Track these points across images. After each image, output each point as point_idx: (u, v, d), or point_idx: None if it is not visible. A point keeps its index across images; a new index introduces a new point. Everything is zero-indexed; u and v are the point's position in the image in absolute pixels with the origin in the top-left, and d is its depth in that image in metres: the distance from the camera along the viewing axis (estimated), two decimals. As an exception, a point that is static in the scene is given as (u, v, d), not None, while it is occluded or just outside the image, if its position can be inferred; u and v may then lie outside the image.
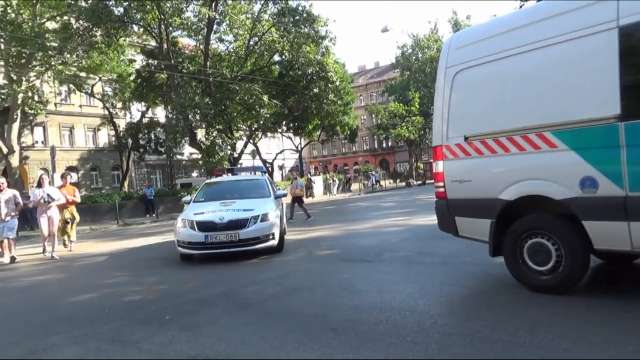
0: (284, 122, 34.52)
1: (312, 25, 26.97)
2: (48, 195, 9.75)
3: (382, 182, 45.83)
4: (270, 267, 7.25)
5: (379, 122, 50.70)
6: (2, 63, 26.28)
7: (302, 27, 26.74)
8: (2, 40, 23.26)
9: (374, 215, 15.06)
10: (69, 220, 10.98)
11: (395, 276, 5.95)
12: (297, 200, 16.01)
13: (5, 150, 23.99)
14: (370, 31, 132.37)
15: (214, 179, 10.69)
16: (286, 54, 28.71)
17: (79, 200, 11.44)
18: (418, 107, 45.64)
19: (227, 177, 10.94)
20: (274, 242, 8.06)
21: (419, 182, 43.66)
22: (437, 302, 4.61)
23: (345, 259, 7.10)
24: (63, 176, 11.37)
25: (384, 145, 67.39)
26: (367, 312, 4.40)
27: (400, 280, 5.67)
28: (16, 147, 24.62)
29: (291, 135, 41.78)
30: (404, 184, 44.21)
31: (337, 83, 30.60)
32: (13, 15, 23.11)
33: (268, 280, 6.01)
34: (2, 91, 26.88)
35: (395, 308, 4.46)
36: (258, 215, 7.93)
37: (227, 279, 6.37)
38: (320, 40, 28.25)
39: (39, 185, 10.02)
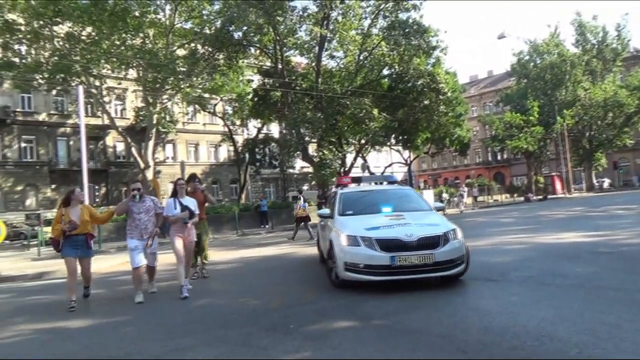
0: (393, 135, 34.28)
1: (423, 37, 26.57)
2: (185, 208, 7.16)
3: (498, 197, 43.26)
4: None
5: (494, 133, 48.18)
6: (141, 88, 29.63)
7: (413, 39, 26.44)
8: (140, 68, 26.16)
9: (492, 231, 14.22)
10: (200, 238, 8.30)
11: (525, 298, 5.50)
12: (302, 220, 16.86)
13: (142, 164, 26.78)
14: (482, 40, 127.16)
15: (349, 189, 8.86)
16: (396, 67, 28.60)
17: (215, 202, 9.80)
18: (537, 116, 42.61)
19: (366, 187, 9.30)
20: (463, 267, 6.40)
21: (540, 197, 40.47)
22: (579, 330, 4.14)
23: (467, 276, 6.74)
24: (190, 179, 8.43)
25: (499, 157, 63.83)
26: (499, 335, 4.09)
27: (532, 303, 5.22)
28: (151, 162, 27.37)
29: (400, 148, 41.33)
30: (522, 198, 41.31)
31: (449, 94, 29.73)
32: (150, 45, 25.94)
33: (388, 295, 5.90)
34: (141, 113, 30.31)
35: (531, 333, 4.09)
36: (449, 232, 6.34)
37: (347, 292, 6.37)
38: (431, 51, 27.75)
39: (174, 194, 7.38)
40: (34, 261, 15.15)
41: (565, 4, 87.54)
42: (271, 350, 4.15)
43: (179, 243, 7.08)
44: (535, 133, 42.11)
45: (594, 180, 50.34)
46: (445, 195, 32.30)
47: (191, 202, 7.29)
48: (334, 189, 9.98)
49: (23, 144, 36.42)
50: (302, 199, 17.63)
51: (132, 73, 28.36)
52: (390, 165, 43.98)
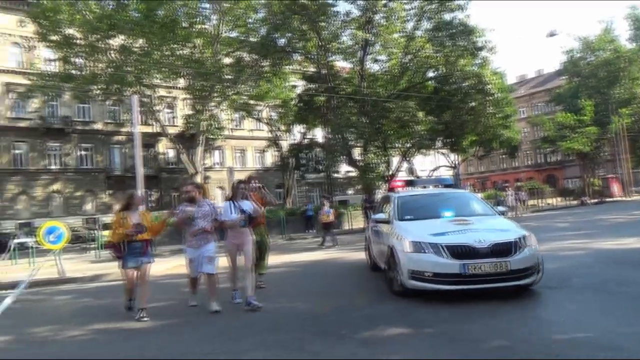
0: (439, 138, 33.68)
1: (469, 37, 26.01)
2: (243, 212, 6.55)
3: (550, 200, 41.59)
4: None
5: (545, 134, 46.40)
6: (190, 96, 30.56)
7: (458, 39, 25.94)
8: (189, 76, 26.98)
9: (547, 236, 13.65)
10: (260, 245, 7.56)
11: (588, 306, 5.25)
12: (327, 226, 16.91)
13: (192, 170, 27.56)
14: (530, 38, 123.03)
15: (405, 193, 8.49)
16: (441, 69, 28.13)
17: (274, 202, 8.90)
18: (591, 116, 40.72)
19: (422, 191, 9.00)
20: (538, 276, 5.96)
21: (596, 200, 38.58)
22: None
23: (522, 283, 6.48)
24: (249, 181, 7.40)
25: (551, 159, 61.42)
26: (568, 347, 3.90)
27: (596, 312, 4.98)
28: (200, 168, 28.13)
29: (446, 151, 40.55)
30: (576, 202, 39.52)
31: (496, 95, 28.91)
32: (198, 55, 26.73)
33: (440, 303, 5.74)
34: (190, 120, 31.23)
35: (605, 346, 3.86)
36: (522, 238, 5.93)
37: (397, 298, 6.28)
38: (477, 52, 27.10)
39: (233, 196, 6.77)
40: (92, 263, 15.85)
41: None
42: (324, 355, 4.15)
43: (235, 249, 6.64)
44: (589, 133, 40.26)
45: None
46: (510, 199, 28.81)
47: (249, 206, 6.60)
48: (387, 193, 9.39)
49: (81, 152, 38.34)
50: (326, 204, 17.58)
51: (182, 82, 29.29)
52: (436, 168, 43.25)
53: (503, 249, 5.71)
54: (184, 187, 6.96)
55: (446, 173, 47.82)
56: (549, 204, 40.03)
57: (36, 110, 35.98)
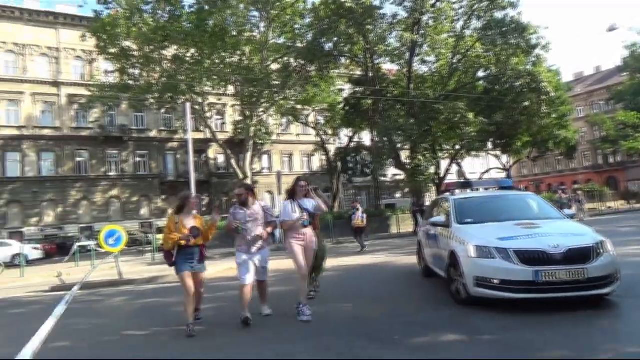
0: (490, 140, 32.71)
1: (522, 35, 25.14)
2: (305, 210, 6.09)
3: (612, 204, 39.40)
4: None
5: (604, 134, 44.12)
6: (239, 103, 31.25)
7: (510, 38, 25.12)
8: (238, 83, 27.60)
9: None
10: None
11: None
12: (358, 230, 16.95)
13: (241, 175, 28.13)
14: (586, 34, 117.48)
15: (463, 195, 7.94)
16: (492, 68, 27.34)
17: (329, 205, 7.98)
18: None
19: (481, 193, 8.55)
20: (616, 285, 5.52)
21: (663, 203, 36.21)
22: None
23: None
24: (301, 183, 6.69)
25: (611, 160, 58.28)
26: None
27: (669, 323, 4.64)
28: (249, 173, 28.65)
29: (498, 153, 39.33)
30: (639, 205, 37.23)
31: (551, 94, 27.74)
32: (246, 62, 27.31)
33: (496, 309, 5.48)
34: (239, 126, 31.93)
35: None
36: (599, 243, 5.51)
37: (450, 304, 6.11)
38: (530, 50, 26.16)
39: (292, 195, 6.29)
40: (149, 266, 16.49)
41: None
42: (377, 362, 4.09)
43: (300, 250, 5.97)
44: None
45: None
46: (581, 202, 26.04)
47: (310, 204, 6.11)
48: (442, 195, 8.53)
49: (137, 159, 40.06)
50: (360, 209, 17.38)
51: (231, 89, 30.00)
52: (487, 171, 42.06)
53: (580, 255, 5.28)
54: (236, 189, 6.42)
55: (497, 175, 46.40)
56: (609, 207, 37.91)
57: (96, 119, 37.99)
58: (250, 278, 5.90)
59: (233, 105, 39.29)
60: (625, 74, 48.19)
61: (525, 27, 24.87)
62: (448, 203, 7.42)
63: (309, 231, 6.10)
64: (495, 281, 5.40)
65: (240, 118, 31.40)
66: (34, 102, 36.69)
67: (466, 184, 9.09)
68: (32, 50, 36.83)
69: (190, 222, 5.93)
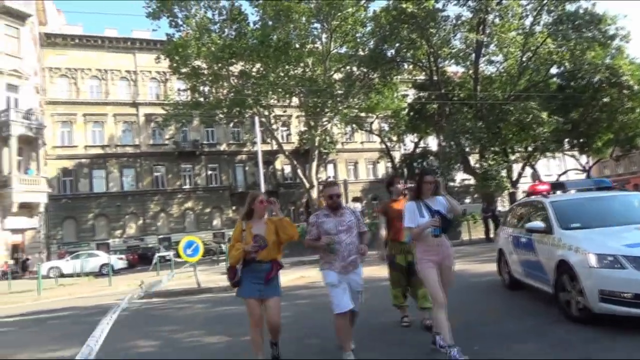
0: (566, 140, 30.97)
1: (597, 27, 23.72)
2: (437, 213, 4.53)
3: None
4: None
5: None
6: (303, 113, 31.82)
7: (585, 30, 23.78)
8: (302, 95, 28.13)
9: None
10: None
11: None
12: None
13: (307, 185, 28.55)
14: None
15: (560, 197, 7.19)
16: (566, 64, 25.94)
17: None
18: None
19: (580, 194, 7.42)
20: None
21: None
22: None
23: None
24: (393, 182, 6.17)
25: None
26: None
27: None
28: (315, 182, 29.01)
29: (575, 153, 37.08)
30: None
31: (635, 87, 25.84)
32: (309, 73, 27.79)
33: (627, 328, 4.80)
34: (304, 136, 32.49)
35: None
36: None
37: (532, 310, 5.83)
38: (608, 42, 24.63)
39: (417, 195, 4.75)
40: (223, 275, 17.06)
41: None
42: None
43: (432, 273, 4.40)
44: None
45: None
46: None
47: (441, 205, 4.57)
48: (532, 198, 7.52)
49: (209, 172, 41.86)
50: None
51: (295, 100, 30.64)
52: (564, 172, 39.75)
53: None
54: (326, 188, 4.81)
55: (576, 177, 43.70)
56: None
57: (171, 136, 40.20)
58: (348, 303, 4.39)
59: (298, 116, 40.03)
60: None
61: (600, 18, 23.51)
62: (543, 206, 6.64)
63: (443, 242, 4.54)
64: (628, 295, 4.62)
65: (305, 128, 31.97)
66: (116, 122, 39.47)
67: (558, 185, 8.00)
68: (113, 75, 39.71)
69: (260, 229, 4.55)
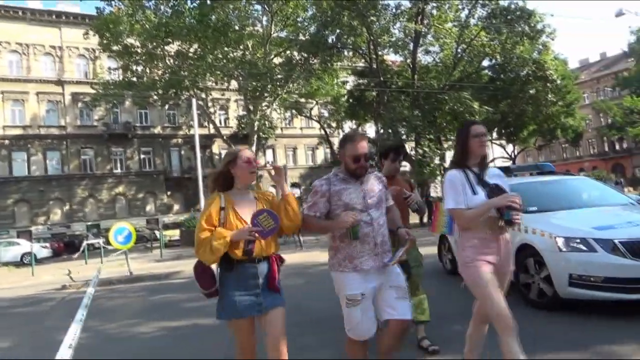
0: (495, 129, 32.57)
1: (527, 22, 24.95)
2: (495, 188, 2.94)
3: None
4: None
5: (611, 121, 43.76)
6: (242, 97, 31.18)
7: (516, 25, 24.95)
8: (241, 78, 27.51)
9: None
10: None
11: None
12: None
13: (246, 170, 28.08)
14: (591, 20, 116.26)
15: (515, 180, 6.67)
16: (497, 57, 27.15)
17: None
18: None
19: (533, 178, 7.14)
20: None
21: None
22: None
23: None
24: (399, 152, 4.52)
25: (618, 147, 57.87)
26: None
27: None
28: (254, 168, 28.59)
29: (503, 142, 39.14)
30: (648, 191, 36.98)
31: (558, 82, 27.56)
32: (249, 56, 27.20)
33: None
34: (243, 121, 31.89)
35: None
36: None
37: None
38: (536, 37, 25.95)
39: (462, 156, 3.07)
40: (157, 262, 16.53)
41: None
42: None
43: (492, 282, 2.88)
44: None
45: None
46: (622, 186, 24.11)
47: (499, 177, 3.11)
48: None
49: (142, 156, 40.12)
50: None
51: (234, 84, 29.94)
52: (492, 160, 41.86)
53: None
54: (350, 142, 3.02)
55: (503, 164, 46.15)
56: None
57: (100, 117, 38.04)
58: (371, 326, 2.92)
59: (236, 100, 39.22)
60: (631, 59, 47.69)
61: (530, 13, 24.69)
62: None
63: (505, 235, 3.02)
64: (598, 279, 4.44)
65: (244, 113, 31.40)
66: (39, 101, 36.74)
67: (505, 169, 7.34)
68: (35, 50, 36.82)
69: (251, 205, 2.92)
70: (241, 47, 26.77)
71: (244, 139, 32.19)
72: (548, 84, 26.38)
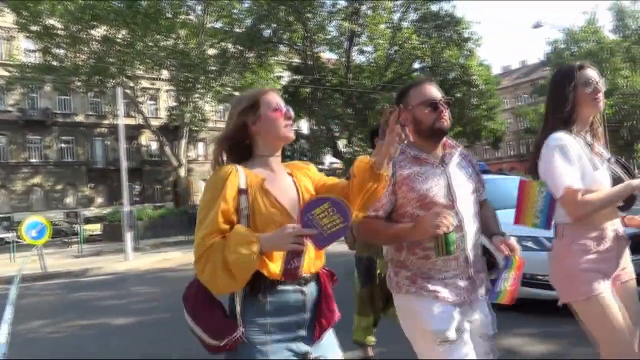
0: (424, 130, 33.92)
1: (455, 28, 26.15)
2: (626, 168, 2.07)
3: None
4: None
5: (528, 125, 46.93)
6: (173, 88, 30.22)
7: (444, 31, 26.08)
8: (173, 68, 26.63)
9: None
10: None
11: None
12: None
13: (176, 163, 27.30)
14: (514, 29, 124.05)
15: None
16: (427, 60, 28.23)
17: None
18: (574, 107, 41.32)
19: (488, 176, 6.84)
20: None
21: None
22: None
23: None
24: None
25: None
26: None
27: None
28: (184, 161, 27.88)
29: (431, 142, 40.85)
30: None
31: (481, 87, 29.13)
32: (182, 46, 26.37)
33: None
34: (173, 112, 30.92)
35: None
36: None
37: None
38: (463, 43, 27.25)
39: (568, 117, 1.99)
40: (75, 258, 15.65)
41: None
42: None
43: (612, 302, 1.88)
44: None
45: (636, 172, 48.39)
46: None
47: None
48: None
49: (62, 145, 37.67)
50: None
51: (165, 73, 28.94)
52: (421, 160, 43.58)
53: None
54: (416, 88, 1.95)
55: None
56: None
57: (15, 102, 35.24)
58: None
59: (167, 91, 37.86)
60: (547, 68, 51.38)
61: (458, 20, 25.87)
62: None
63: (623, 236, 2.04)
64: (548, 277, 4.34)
65: (175, 104, 30.45)
66: (-57, 81, 33.43)
67: None
68: (-61, 24, 33.43)
69: (288, 186, 1.71)
70: (173, 35, 25.86)
71: (174, 131, 31.23)
72: (472, 89, 27.82)
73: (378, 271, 3.46)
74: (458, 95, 27.84)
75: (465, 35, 26.62)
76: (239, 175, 1.56)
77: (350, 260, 3.76)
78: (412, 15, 27.52)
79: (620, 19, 46.47)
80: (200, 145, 42.97)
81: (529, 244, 4.73)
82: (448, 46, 26.46)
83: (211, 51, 27.92)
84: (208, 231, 1.47)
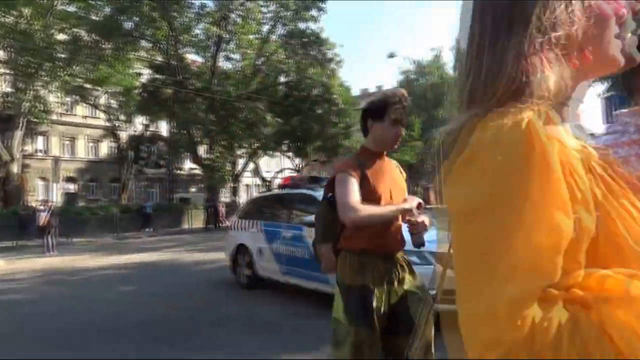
0: (285, 142, 34.72)
1: (320, 48, 27.42)
2: None
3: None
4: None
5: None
6: (10, 72, 26.54)
7: (310, 49, 27.17)
8: (11, 49, 23.45)
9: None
10: None
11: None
12: (43, 229, 15.15)
13: (6, 157, 23.96)
14: (373, 55, 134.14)
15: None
16: (292, 75, 29.09)
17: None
18: (419, 132, 46.00)
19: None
20: None
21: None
22: None
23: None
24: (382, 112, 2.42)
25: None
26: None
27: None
28: (17, 155, 24.60)
29: (291, 154, 41.93)
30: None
31: (341, 105, 30.90)
32: (24, 25, 23.37)
33: (283, 299, 5.94)
34: (8, 99, 27.12)
35: None
36: None
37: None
38: (326, 63, 28.68)
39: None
40: None
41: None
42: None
43: None
44: (416, 148, 45.37)
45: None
46: None
47: None
48: (295, 191, 6.88)
49: None
50: (50, 208, 15.18)
51: (1, 54, 25.32)
52: (281, 171, 44.47)
53: None
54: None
55: (291, 175, 49.26)
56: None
57: None
58: None
59: (2, 74, 33.13)
60: (398, 95, 56.58)
61: (323, 41, 27.20)
62: (315, 199, 5.86)
63: None
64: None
65: (11, 90, 26.74)
66: None
67: (315, 179, 7.27)
68: None
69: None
70: (14, 12, 22.81)
71: (8, 121, 27.37)
72: (333, 107, 29.37)
73: (376, 301, 2.15)
74: (319, 111, 29.18)
75: (329, 55, 28.10)
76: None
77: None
78: (281, 30, 28.23)
79: (458, 60, 53.05)
80: (40, 139, 38.28)
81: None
82: (312, 64, 27.64)
83: (61, 36, 25.23)
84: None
